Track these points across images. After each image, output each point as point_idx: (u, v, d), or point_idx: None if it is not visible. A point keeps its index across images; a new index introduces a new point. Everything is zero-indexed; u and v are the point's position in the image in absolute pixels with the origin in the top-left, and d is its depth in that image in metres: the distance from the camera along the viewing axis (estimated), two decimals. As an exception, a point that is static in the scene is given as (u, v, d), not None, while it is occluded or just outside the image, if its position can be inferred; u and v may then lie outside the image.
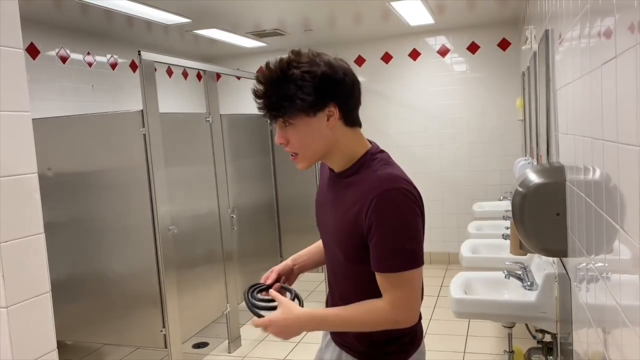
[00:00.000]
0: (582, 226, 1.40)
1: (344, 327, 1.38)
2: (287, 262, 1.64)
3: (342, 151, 1.36)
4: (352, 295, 1.37)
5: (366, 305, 1.32)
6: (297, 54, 1.28)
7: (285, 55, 1.29)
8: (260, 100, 1.28)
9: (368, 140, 1.42)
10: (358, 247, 1.31)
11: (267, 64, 1.28)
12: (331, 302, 1.51)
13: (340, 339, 1.47)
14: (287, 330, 1.39)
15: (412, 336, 1.41)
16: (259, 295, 1.46)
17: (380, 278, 1.29)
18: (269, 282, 1.53)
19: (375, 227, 1.25)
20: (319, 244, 1.66)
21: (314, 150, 1.34)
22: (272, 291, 1.47)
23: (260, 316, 1.40)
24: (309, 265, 1.66)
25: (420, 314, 1.38)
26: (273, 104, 1.26)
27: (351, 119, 1.35)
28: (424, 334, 1.49)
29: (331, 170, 1.44)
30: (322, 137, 1.31)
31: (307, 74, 1.24)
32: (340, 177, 1.40)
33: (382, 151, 1.41)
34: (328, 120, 1.29)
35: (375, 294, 1.30)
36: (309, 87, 1.24)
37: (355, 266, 1.36)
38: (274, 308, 1.39)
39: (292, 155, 1.36)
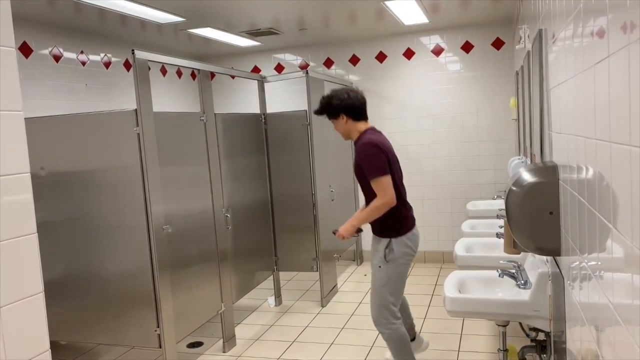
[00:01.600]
0: (575, 225, 1.41)
1: (367, 217, 2.90)
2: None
3: (355, 131, 2.99)
4: (369, 200, 2.91)
5: (371, 203, 2.85)
6: (331, 93, 3.04)
7: (335, 89, 3.07)
8: (319, 112, 3.07)
9: (371, 126, 3.04)
10: (362, 174, 2.88)
11: (323, 97, 3.07)
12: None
13: (374, 230, 2.98)
14: (346, 229, 2.99)
15: (400, 224, 2.90)
16: None
17: (372, 184, 2.82)
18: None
19: (361, 161, 2.86)
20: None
21: (342, 132, 3.04)
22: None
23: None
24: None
25: (408, 209, 2.98)
26: (323, 113, 3.05)
27: (357, 118, 2.98)
28: (414, 228, 2.97)
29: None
30: (343, 127, 3.01)
31: (328, 105, 3.01)
32: (355, 144, 3.00)
33: (373, 129, 3.01)
34: (343, 119, 2.98)
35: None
36: (329, 109, 3.01)
37: (365, 184, 2.91)
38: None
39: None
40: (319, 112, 3.03)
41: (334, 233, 3.11)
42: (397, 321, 2.95)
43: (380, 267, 2.90)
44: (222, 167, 3.93)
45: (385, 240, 2.88)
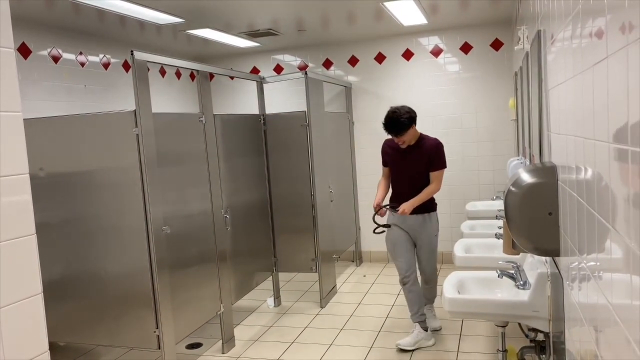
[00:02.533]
0: (574, 225, 1.41)
1: (425, 198, 3.68)
2: (379, 199, 3.82)
3: (415, 136, 3.71)
4: (420, 188, 3.70)
5: (428, 187, 3.70)
6: (395, 110, 3.61)
7: (392, 110, 3.63)
8: (392, 131, 3.62)
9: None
10: (427, 168, 3.71)
11: (390, 116, 3.61)
12: (399, 200, 3.74)
13: (423, 207, 3.72)
14: (408, 206, 3.63)
15: (434, 204, 3.83)
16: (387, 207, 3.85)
17: (433, 174, 3.71)
18: (376, 205, 3.81)
19: (434, 156, 3.70)
20: (382, 183, 3.93)
21: (410, 138, 3.66)
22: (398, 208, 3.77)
23: (393, 212, 3.82)
24: (385, 194, 3.90)
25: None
26: (398, 131, 3.60)
27: (416, 125, 3.66)
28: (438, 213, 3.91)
29: (398, 143, 3.71)
30: (413, 133, 3.67)
31: (409, 120, 3.59)
32: (413, 146, 3.72)
33: (422, 134, 3.79)
34: (413, 127, 3.63)
35: (425, 186, 3.72)
36: (406, 123, 3.58)
37: (424, 175, 3.72)
38: (393, 207, 3.79)
39: (401, 143, 3.68)
40: (403, 130, 3.57)
41: (391, 208, 3.78)
42: None
43: (436, 235, 3.85)
44: (221, 168, 3.92)
45: (434, 214, 3.83)
